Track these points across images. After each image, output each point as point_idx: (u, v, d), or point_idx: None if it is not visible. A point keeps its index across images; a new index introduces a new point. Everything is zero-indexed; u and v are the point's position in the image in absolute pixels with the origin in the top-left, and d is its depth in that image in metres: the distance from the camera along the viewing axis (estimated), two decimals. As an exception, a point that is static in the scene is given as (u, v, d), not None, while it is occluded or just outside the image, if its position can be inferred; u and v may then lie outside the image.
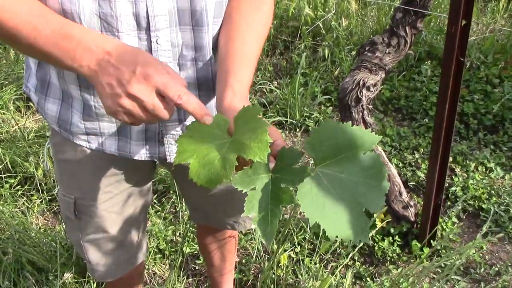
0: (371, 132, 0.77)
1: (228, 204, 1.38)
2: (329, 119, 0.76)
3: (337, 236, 0.71)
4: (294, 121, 3.03)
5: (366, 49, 2.01)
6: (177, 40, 0.98)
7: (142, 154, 1.14)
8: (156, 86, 0.81)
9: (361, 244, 1.72)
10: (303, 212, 0.72)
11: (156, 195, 2.48)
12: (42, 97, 1.11)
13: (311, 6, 3.70)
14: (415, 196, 2.44)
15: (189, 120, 1.10)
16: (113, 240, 1.30)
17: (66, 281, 1.99)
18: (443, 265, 2.03)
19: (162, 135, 1.11)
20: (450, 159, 2.06)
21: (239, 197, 1.38)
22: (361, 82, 1.94)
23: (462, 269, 2.07)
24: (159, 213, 2.38)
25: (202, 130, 0.80)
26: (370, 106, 2.02)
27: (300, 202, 0.72)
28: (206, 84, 1.07)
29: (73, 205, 1.22)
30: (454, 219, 2.27)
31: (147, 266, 2.12)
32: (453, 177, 2.52)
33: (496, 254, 2.16)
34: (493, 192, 2.42)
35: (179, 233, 2.28)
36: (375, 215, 2.17)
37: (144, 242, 1.43)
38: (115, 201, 1.24)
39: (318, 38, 3.65)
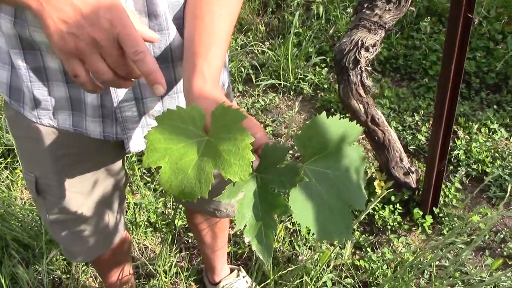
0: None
1: None
2: (317, 116, 0.68)
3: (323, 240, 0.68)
4: (288, 84, 2.90)
5: (365, 6, 1.87)
6: (129, 7, 0.85)
7: (98, 132, 1.03)
8: (118, 34, 0.68)
9: (362, 218, 1.62)
10: (295, 219, 0.68)
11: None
12: None
13: (304, -39, 3.51)
14: (416, 161, 2.34)
15: (149, 99, 0.99)
16: (83, 221, 1.21)
17: (54, 258, 1.91)
18: (446, 233, 1.95)
19: (119, 114, 1.00)
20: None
21: (216, 185, 1.30)
22: (360, 43, 1.82)
23: (465, 237, 1.99)
24: (148, 184, 2.27)
25: (175, 125, 0.68)
26: (369, 68, 1.89)
27: (293, 210, 0.67)
28: (165, 57, 0.95)
29: (34, 184, 1.13)
30: (457, 185, 2.18)
31: (138, 240, 2.04)
32: (455, 140, 2.41)
33: (501, 220, 2.08)
34: (497, 155, 2.33)
35: (170, 205, 2.18)
36: (375, 183, 2.07)
37: (121, 223, 1.34)
38: (78, 181, 1.14)
39: (311, -5, 3.48)
